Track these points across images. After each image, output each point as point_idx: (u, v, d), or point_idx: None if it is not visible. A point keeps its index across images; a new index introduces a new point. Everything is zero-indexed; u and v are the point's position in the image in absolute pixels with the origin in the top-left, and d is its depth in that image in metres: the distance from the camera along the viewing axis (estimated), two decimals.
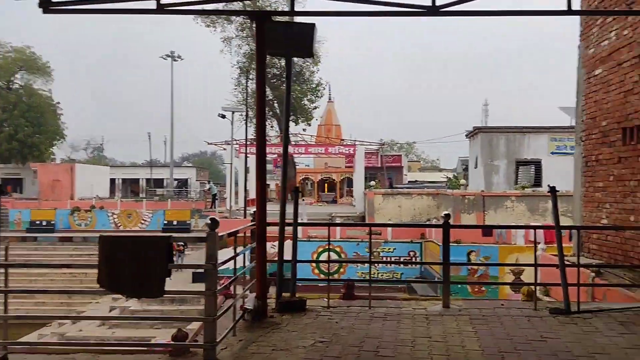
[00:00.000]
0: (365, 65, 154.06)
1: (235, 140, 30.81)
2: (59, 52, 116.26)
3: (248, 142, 33.23)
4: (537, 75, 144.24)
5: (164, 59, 46.41)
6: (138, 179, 58.81)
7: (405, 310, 6.15)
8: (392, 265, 21.64)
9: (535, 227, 6.79)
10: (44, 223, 36.86)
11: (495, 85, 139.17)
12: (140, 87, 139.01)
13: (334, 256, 21.62)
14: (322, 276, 21.45)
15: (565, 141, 24.32)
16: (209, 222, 4.32)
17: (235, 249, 6.42)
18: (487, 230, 19.44)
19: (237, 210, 27.82)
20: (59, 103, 52.24)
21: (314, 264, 21.70)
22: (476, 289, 18.48)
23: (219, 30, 41.38)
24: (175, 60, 45.86)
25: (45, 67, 49.85)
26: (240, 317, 5.40)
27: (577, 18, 9.58)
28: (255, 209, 6.10)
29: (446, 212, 6.30)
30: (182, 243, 22.34)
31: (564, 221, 18.34)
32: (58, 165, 48.85)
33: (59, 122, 52.19)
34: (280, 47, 5.78)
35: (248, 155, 34.96)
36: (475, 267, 18.38)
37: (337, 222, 23.16)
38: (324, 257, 21.55)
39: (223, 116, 25.81)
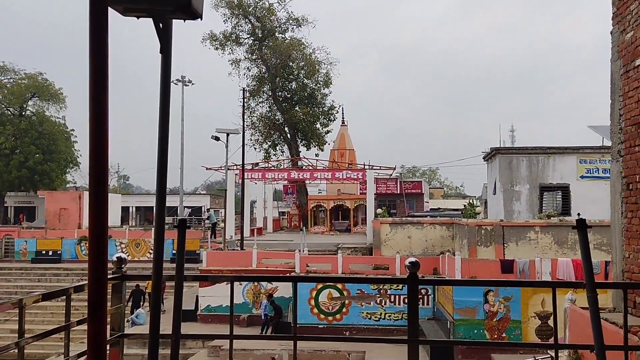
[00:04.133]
0: (382, 89, 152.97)
1: (235, 164, 28.98)
2: (72, 76, 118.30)
3: (252, 167, 31.35)
4: (565, 94, 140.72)
5: (175, 83, 45.34)
6: (153, 207, 57.75)
7: None
8: (402, 304, 19.26)
9: (554, 284, 4.40)
10: (50, 253, 35.75)
11: (522, 106, 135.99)
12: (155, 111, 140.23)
13: (335, 294, 19.49)
14: (322, 317, 19.34)
15: (597, 163, 21.75)
16: None
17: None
18: (508, 265, 16.95)
19: (237, 240, 25.82)
20: (73, 130, 51.69)
21: (312, 302, 19.56)
22: (495, 334, 15.89)
23: (227, 53, 40.34)
24: (186, 85, 44.68)
25: (58, 94, 49.33)
26: None
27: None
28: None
29: (412, 260, 3.95)
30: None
31: (600, 256, 15.66)
32: (66, 193, 47.77)
33: (72, 149, 51.51)
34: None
35: (253, 180, 33.13)
36: (494, 309, 15.87)
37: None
38: (323, 295, 19.37)
39: (217, 138, 23.99)
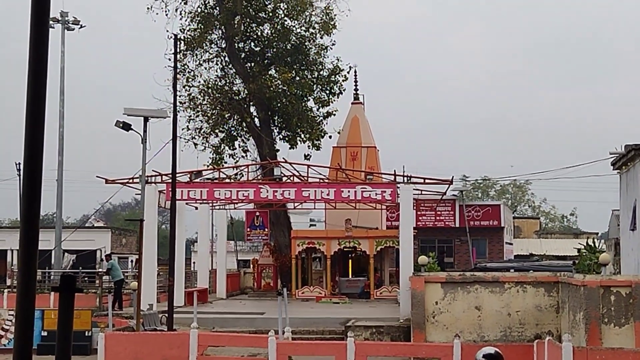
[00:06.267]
0: (426, 41, 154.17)
1: (159, 173, 28.92)
2: None
3: (190, 177, 31.31)
4: None
5: (51, 27, 45.64)
6: (5, 252, 57.60)
7: None
8: None
9: None
10: None
11: None
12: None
13: None
14: None
15: None
16: None
17: None
18: None
19: (162, 312, 25.76)
20: None
21: None
22: None
23: None
24: (69, 29, 44.95)
25: None
26: None
27: None
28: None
29: (488, 352, 4.02)
30: None
31: None
32: None
33: None
34: None
35: (192, 202, 33.06)
36: None
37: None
38: None
39: (126, 126, 23.87)
